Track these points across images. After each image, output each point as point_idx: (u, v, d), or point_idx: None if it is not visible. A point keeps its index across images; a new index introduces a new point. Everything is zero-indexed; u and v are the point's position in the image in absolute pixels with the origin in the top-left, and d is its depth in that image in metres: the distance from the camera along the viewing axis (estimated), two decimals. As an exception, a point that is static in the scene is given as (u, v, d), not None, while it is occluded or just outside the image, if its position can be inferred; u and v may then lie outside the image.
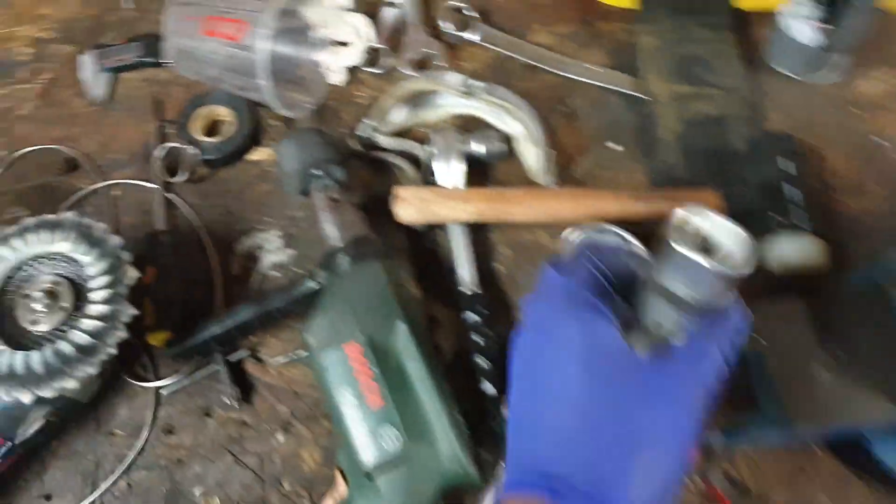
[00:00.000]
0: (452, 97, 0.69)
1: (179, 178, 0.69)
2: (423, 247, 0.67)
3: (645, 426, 0.31)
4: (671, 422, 0.31)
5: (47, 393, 0.51)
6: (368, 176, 0.70)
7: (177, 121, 0.72)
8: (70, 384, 0.51)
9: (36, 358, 0.52)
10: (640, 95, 0.72)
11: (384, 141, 0.68)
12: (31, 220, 0.58)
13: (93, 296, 0.55)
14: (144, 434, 0.62)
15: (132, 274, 0.56)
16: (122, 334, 0.53)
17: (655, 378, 0.32)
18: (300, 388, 0.63)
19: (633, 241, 0.60)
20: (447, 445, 0.52)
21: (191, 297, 0.66)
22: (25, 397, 0.51)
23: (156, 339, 0.63)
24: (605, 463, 0.31)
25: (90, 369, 0.51)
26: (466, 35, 0.73)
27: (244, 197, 0.70)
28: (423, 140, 0.69)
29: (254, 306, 0.60)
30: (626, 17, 0.75)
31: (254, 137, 0.71)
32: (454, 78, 0.66)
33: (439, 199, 0.62)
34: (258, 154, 0.72)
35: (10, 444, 0.56)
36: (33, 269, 0.57)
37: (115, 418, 0.63)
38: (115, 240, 0.57)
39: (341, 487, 0.55)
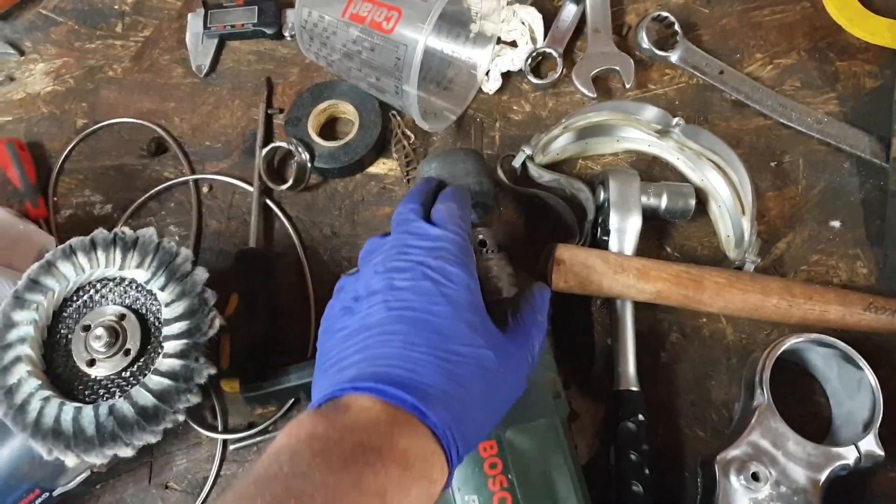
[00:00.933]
0: (639, 132, 0.62)
1: (283, 186, 0.65)
2: (569, 316, 0.61)
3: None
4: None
5: (96, 459, 0.49)
6: (512, 215, 0.64)
7: (289, 112, 0.68)
8: (125, 452, 0.49)
9: (88, 415, 0.50)
10: (882, 164, 0.63)
11: (540, 175, 0.62)
12: (101, 234, 0.55)
13: (167, 345, 0.51)
14: (205, 492, 0.59)
15: (216, 323, 0.52)
16: (194, 399, 0.51)
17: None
18: (396, 472, 0.58)
19: (864, 364, 0.53)
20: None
21: (276, 335, 0.62)
22: (70, 460, 0.49)
23: (230, 386, 0.60)
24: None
25: (150, 438, 0.49)
26: (663, 53, 0.65)
27: (357, 217, 0.67)
28: (588, 178, 0.63)
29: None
30: (879, 57, 0.66)
31: (378, 147, 0.67)
32: (650, 112, 0.60)
33: (609, 272, 0.56)
34: (382, 167, 0.68)
35: (46, 494, 0.54)
36: (98, 294, 0.54)
37: (171, 469, 0.61)
38: (202, 274, 0.54)
39: None
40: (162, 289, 0.53)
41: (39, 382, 0.50)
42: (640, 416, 0.56)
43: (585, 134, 0.65)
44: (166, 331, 0.52)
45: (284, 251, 0.67)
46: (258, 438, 0.61)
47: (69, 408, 0.49)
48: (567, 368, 0.59)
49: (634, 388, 0.57)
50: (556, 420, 0.50)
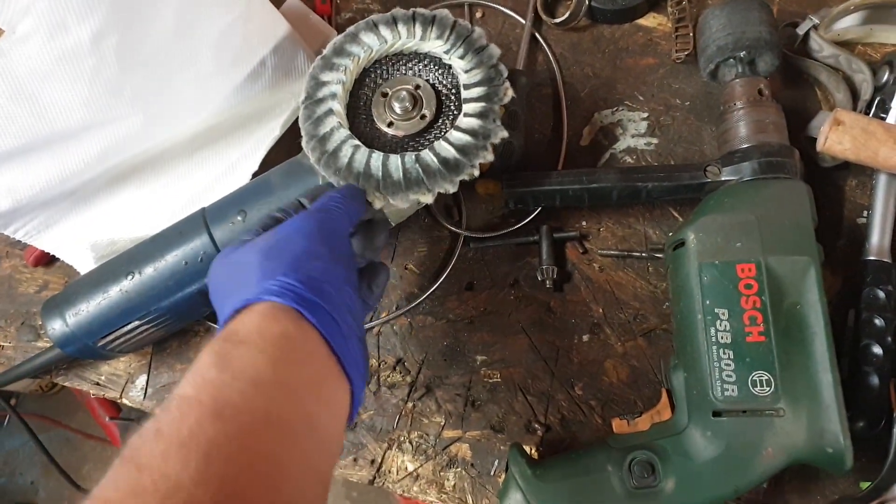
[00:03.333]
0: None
1: (556, 20, 0.71)
2: (820, 190, 0.63)
3: None
4: None
5: (400, 203, 0.55)
6: (778, 85, 0.67)
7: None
8: (425, 198, 0.55)
9: (395, 161, 0.56)
10: None
11: (821, 47, 0.65)
12: (401, 11, 0.62)
13: (466, 107, 0.58)
14: (440, 279, 0.66)
15: (509, 93, 0.58)
16: (489, 156, 0.56)
17: None
18: (623, 295, 0.64)
19: None
20: (828, 420, 0.51)
21: (530, 152, 0.68)
22: (377, 202, 0.55)
23: (484, 188, 0.66)
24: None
25: (449, 187, 0.55)
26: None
27: (619, 64, 0.71)
28: (870, 63, 0.64)
29: (620, 174, 0.61)
30: None
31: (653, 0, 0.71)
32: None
33: (891, 141, 0.58)
34: (651, 20, 0.73)
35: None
36: (394, 67, 0.61)
37: (413, 254, 0.69)
38: (495, 49, 0.60)
39: (665, 411, 0.56)
40: (461, 58, 0.59)
41: (349, 132, 0.58)
42: (890, 287, 0.58)
43: (875, 18, 0.66)
44: (466, 94, 0.58)
45: (543, 82, 0.72)
46: (497, 242, 0.68)
47: (378, 155, 0.56)
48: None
49: (887, 260, 0.60)
50: (816, 262, 0.54)
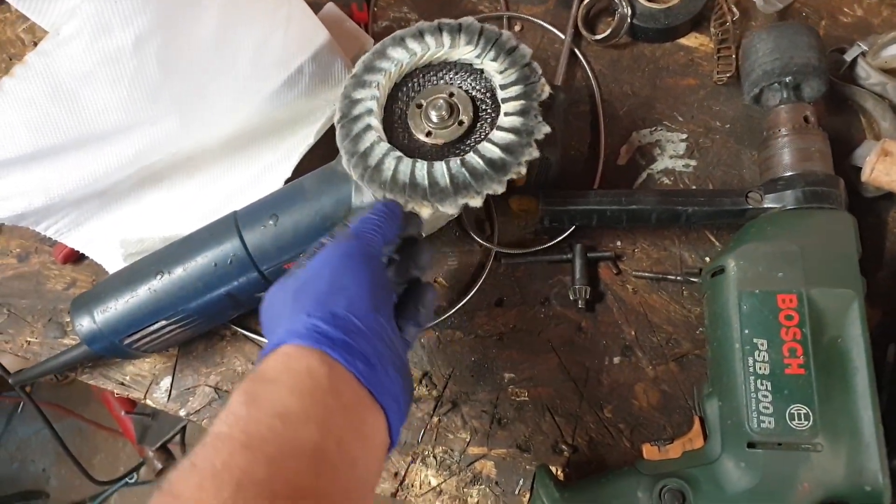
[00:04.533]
0: None
1: (596, 36, 0.70)
2: (861, 220, 0.62)
3: None
4: None
5: (449, 209, 0.54)
6: (821, 111, 0.66)
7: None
8: (475, 201, 0.54)
9: (440, 168, 0.55)
10: None
11: (868, 75, 0.64)
12: (426, 23, 0.61)
13: (506, 106, 0.57)
14: (470, 294, 0.65)
15: (546, 89, 0.58)
16: (534, 153, 0.56)
17: None
18: (656, 319, 0.64)
19: None
20: (868, 458, 0.50)
21: (566, 169, 0.67)
22: (425, 211, 0.55)
23: (518, 204, 0.66)
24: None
25: (498, 188, 0.54)
26: None
27: (659, 83, 0.70)
28: (917, 91, 0.63)
29: (660, 196, 0.60)
30: None
31: (696, 20, 0.70)
32: None
33: (938, 169, 0.56)
34: (693, 40, 0.72)
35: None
36: (424, 79, 0.61)
37: (443, 267, 0.69)
38: (526, 49, 0.59)
39: (698, 439, 0.55)
40: (493, 60, 0.58)
41: (390, 145, 0.57)
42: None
43: (922, 45, 0.65)
44: (503, 94, 0.57)
45: (580, 99, 0.71)
46: (529, 258, 0.67)
47: (422, 164, 0.55)
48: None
49: (934, 297, 0.58)
50: (859, 295, 0.53)
